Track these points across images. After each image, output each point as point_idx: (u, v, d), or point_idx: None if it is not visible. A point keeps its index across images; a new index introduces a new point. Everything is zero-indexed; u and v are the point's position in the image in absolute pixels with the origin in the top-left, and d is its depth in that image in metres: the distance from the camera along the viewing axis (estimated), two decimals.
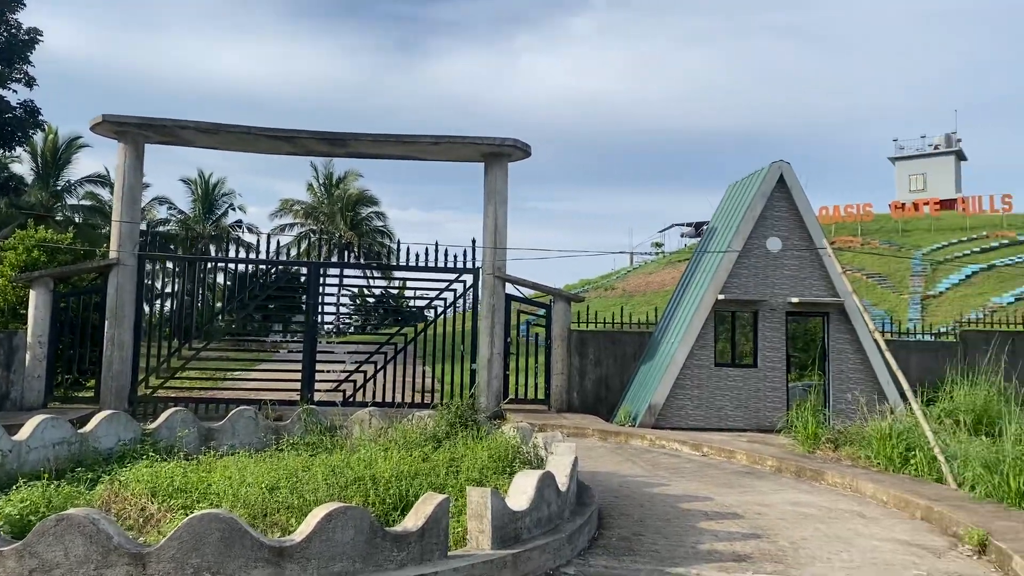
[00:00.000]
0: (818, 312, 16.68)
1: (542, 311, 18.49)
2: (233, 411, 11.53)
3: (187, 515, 6.05)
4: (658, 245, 66.51)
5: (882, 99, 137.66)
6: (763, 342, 16.52)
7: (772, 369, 16.53)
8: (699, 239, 20.57)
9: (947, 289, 38.25)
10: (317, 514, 5.68)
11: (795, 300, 16.33)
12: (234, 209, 53.48)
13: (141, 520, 7.10)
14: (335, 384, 17.42)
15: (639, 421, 16.03)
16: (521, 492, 7.17)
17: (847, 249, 46.17)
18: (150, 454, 9.58)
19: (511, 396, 17.74)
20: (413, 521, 6.15)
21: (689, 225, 64.16)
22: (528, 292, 19.77)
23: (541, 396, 18.12)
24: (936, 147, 68.05)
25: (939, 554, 7.90)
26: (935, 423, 13.36)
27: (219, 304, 20.94)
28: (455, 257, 18.03)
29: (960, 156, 67.85)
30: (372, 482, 7.83)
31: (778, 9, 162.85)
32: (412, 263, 18.19)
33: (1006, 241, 44.44)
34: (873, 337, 13.37)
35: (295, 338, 18.84)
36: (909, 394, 11.49)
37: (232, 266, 19.36)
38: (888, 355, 12.19)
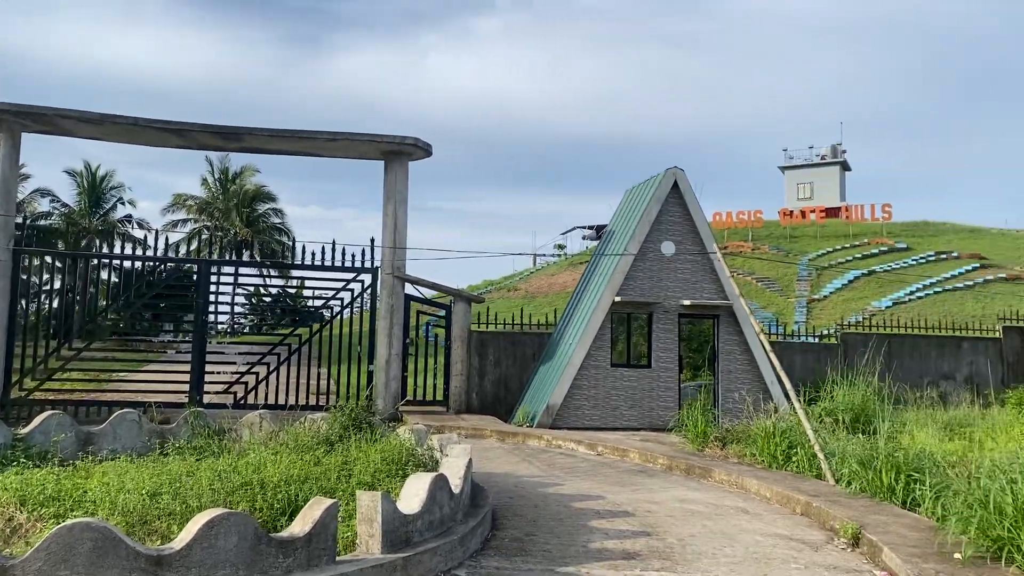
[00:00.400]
0: (709, 314, 17.24)
1: (442, 312, 18.43)
2: (115, 414, 11.02)
3: (59, 524, 5.74)
4: (561, 247, 67.36)
5: (774, 109, 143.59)
6: (657, 343, 16.95)
7: (665, 369, 16.98)
8: (599, 241, 20.96)
9: (831, 293, 40.11)
10: (199, 520, 5.48)
11: (687, 302, 16.82)
12: (123, 203, 51.17)
13: (8, 531, 6.70)
14: (226, 386, 16.90)
15: (537, 421, 16.18)
16: (413, 495, 7.11)
17: (739, 254, 47.89)
18: (21, 460, 9.04)
19: (410, 398, 17.62)
20: (300, 526, 6.01)
21: (591, 228, 65.23)
22: (429, 293, 19.67)
23: (440, 397, 18.06)
24: (823, 157, 71.37)
25: (816, 547, 8.25)
26: (816, 421, 13.97)
27: (104, 302, 19.99)
28: (353, 256, 17.78)
29: (845, 167, 71.38)
30: (260, 487, 7.62)
31: (676, 18, 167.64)
32: (309, 262, 17.84)
33: (885, 248, 46.97)
34: (759, 338, 13.90)
35: (186, 338, 18.19)
36: (792, 394, 11.99)
37: (119, 263, 18.53)
38: (772, 356, 12.68)
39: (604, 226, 19.52)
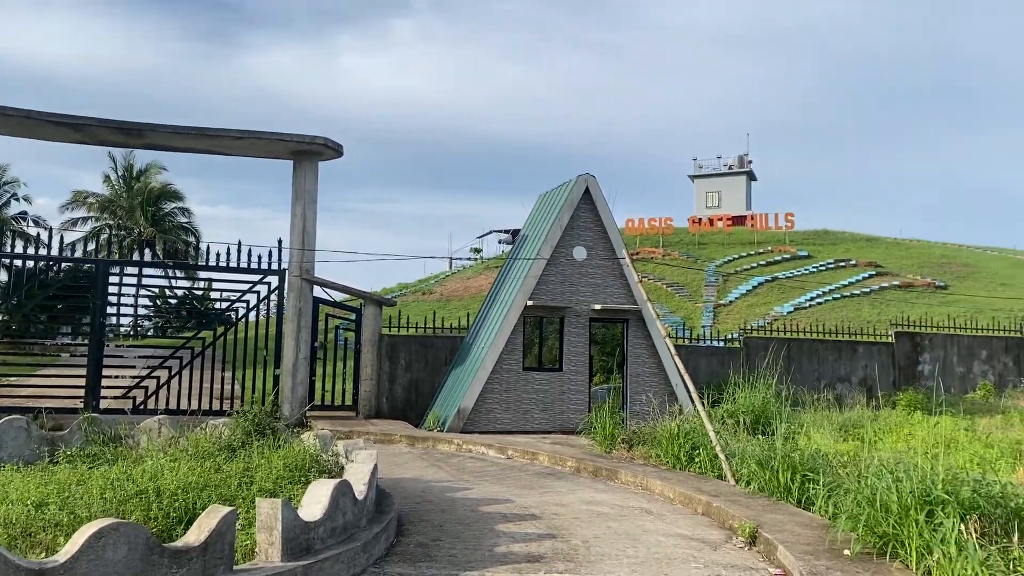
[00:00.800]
0: (619, 318, 17.53)
1: (352, 315, 18.19)
2: (2, 420, 10.46)
3: None
4: (477, 251, 67.38)
5: (686, 119, 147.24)
6: (568, 347, 17.14)
7: (576, 373, 17.18)
8: (513, 246, 21.07)
9: (736, 298, 41.30)
10: (85, 531, 5.24)
11: (598, 307, 17.07)
12: (18, 199, 48.74)
13: None
14: (124, 391, 16.26)
15: (448, 426, 16.13)
16: (315, 502, 6.99)
17: (650, 259, 48.89)
18: None
19: (318, 402, 17.32)
20: (195, 535, 5.82)
21: (507, 232, 65.51)
22: (339, 296, 19.38)
23: (349, 402, 17.81)
24: (730, 167, 73.53)
25: (715, 547, 8.47)
26: (718, 423, 14.37)
27: None
28: (260, 258, 17.36)
29: (751, 176, 73.70)
30: (156, 495, 7.37)
31: (592, 27, 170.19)
32: (214, 263, 17.33)
33: (787, 256, 48.68)
34: (665, 342, 14.20)
35: (83, 341, 17.42)
36: (695, 396, 12.29)
37: (10, 262, 17.62)
38: (677, 360, 12.98)
39: (520, 230, 19.69)
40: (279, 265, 17.38)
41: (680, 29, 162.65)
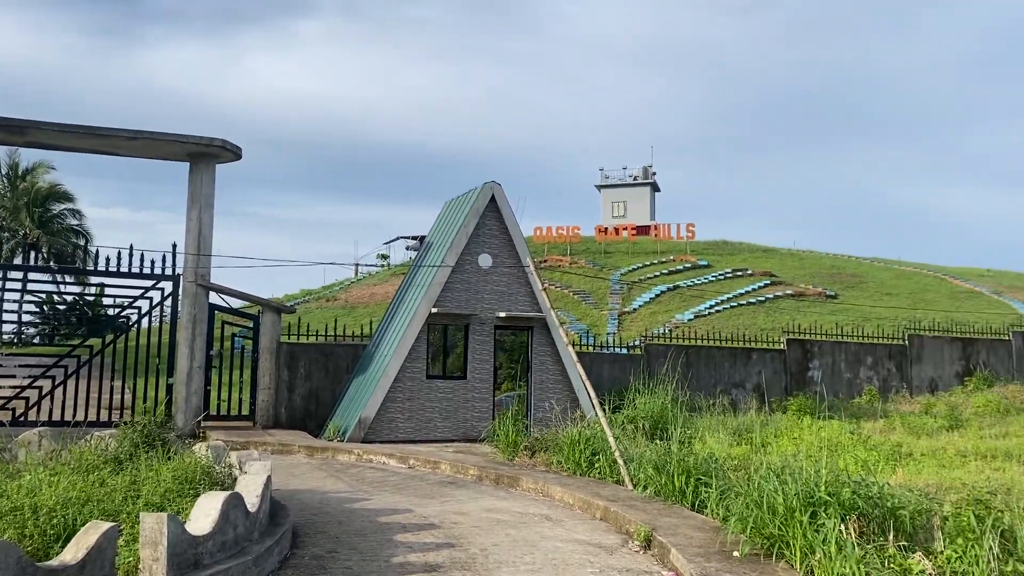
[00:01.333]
0: (524, 326, 17.64)
1: (250, 322, 17.71)
2: None
3: None
4: (384, 257, 66.69)
5: (593, 129, 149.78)
6: (473, 355, 17.14)
7: (481, 380, 17.19)
8: (417, 253, 20.93)
9: (640, 306, 42.17)
10: None
11: (503, 314, 17.13)
12: None
13: None
14: (3, 402, 15.37)
15: (348, 435, 15.88)
16: (204, 515, 6.77)
17: (557, 267, 49.45)
18: None
19: (214, 413, 16.79)
20: (72, 553, 5.55)
21: (414, 238, 65.00)
22: (237, 303, 18.86)
23: (247, 412, 17.33)
24: (635, 178, 75.16)
25: (611, 551, 8.61)
26: (618, 429, 14.63)
27: None
28: (153, 263, 16.72)
29: (655, 187, 75.51)
30: (32, 512, 6.98)
31: (502, 36, 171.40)
32: (104, 267, 16.59)
33: (688, 265, 50.02)
34: (568, 349, 14.37)
35: None
36: (595, 402, 12.47)
37: None
38: (579, 366, 13.16)
39: (426, 237, 19.58)
40: (173, 271, 16.78)
41: (588, 41, 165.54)
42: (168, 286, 16.83)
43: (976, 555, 7.05)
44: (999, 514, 7.77)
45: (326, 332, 18.91)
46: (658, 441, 13.76)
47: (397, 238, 67.86)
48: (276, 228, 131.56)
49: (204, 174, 16.62)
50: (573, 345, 21.19)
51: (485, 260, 17.17)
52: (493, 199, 17.34)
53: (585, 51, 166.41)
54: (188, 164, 16.85)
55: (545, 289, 15.73)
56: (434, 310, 16.59)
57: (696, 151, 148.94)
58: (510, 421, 14.30)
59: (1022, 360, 26.06)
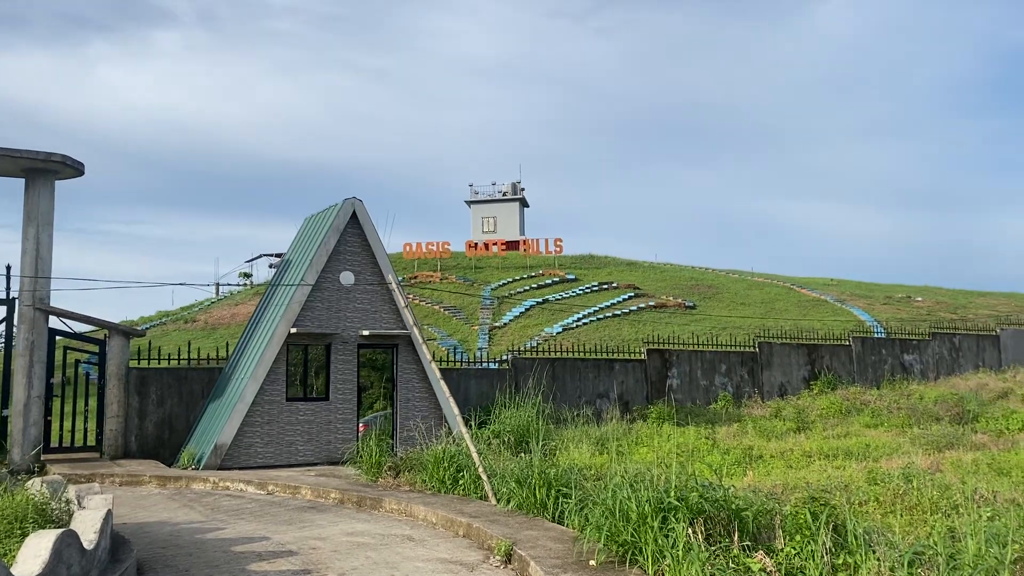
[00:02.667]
0: (388, 344, 17.43)
1: (97, 347, 16.69)
2: None
3: None
4: (246, 275, 64.45)
5: (463, 147, 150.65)
6: (336, 375, 16.77)
7: (344, 401, 16.83)
8: (276, 271, 20.33)
9: (510, 321, 42.53)
10: None
11: (366, 333, 16.86)
12: None
13: None
14: None
15: (204, 463, 15.18)
16: (34, 556, 6.29)
17: (428, 283, 49.26)
18: None
19: (56, 445, 15.70)
20: None
21: (278, 255, 63.16)
22: (83, 327, 17.73)
23: (93, 443, 16.30)
24: (504, 194, 76.03)
25: (472, 568, 8.59)
26: (484, 444, 14.69)
27: None
28: None
29: (524, 203, 76.63)
30: None
31: (368, 51, 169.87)
32: None
33: (557, 279, 50.93)
34: (431, 366, 14.29)
35: None
36: (458, 418, 12.46)
37: None
38: (442, 383, 13.12)
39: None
40: (7, 294, 15.61)
41: (456, 58, 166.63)
42: (2, 311, 15.64)
43: (812, 550, 7.47)
44: (832, 510, 8.29)
45: (179, 356, 18.03)
46: (523, 455, 13.89)
47: (260, 256, 65.80)
48: (132, 247, 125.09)
49: (42, 191, 15.56)
50: (440, 361, 21.17)
51: (347, 277, 16.87)
52: (355, 215, 17.06)
53: (452, 68, 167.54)
54: (24, 180, 15.73)
55: (409, 306, 15.61)
56: (293, 330, 16.13)
57: (563, 168, 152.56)
58: (374, 441, 14.07)
59: (861, 363, 27.98)
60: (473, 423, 16.50)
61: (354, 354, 16.99)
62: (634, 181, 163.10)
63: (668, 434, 18.21)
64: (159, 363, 17.76)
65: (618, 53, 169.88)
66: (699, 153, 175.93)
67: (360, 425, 17.36)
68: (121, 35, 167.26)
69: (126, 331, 16.81)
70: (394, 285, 14.26)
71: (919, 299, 50.89)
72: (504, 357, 25.19)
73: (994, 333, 32.28)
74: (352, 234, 17.09)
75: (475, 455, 12.13)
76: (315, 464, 16.17)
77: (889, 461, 15.65)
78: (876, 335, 30.84)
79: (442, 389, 13.75)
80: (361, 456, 14.13)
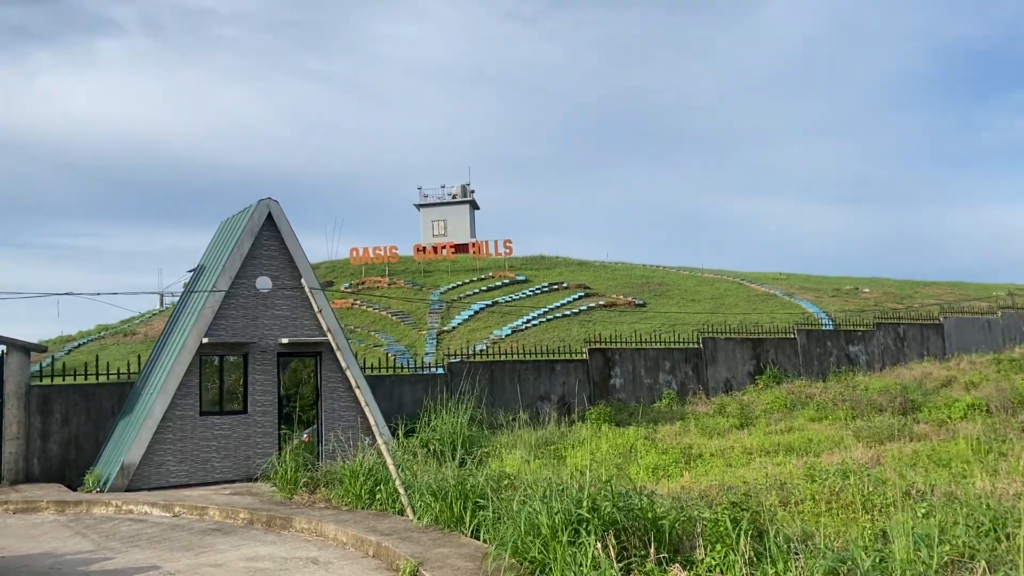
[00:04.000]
0: (311, 351, 16.56)
1: None
2: None
3: None
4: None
5: (411, 150, 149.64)
6: (254, 386, 15.85)
7: (264, 414, 15.92)
8: (190, 279, 19.26)
9: (458, 324, 41.81)
10: None
11: (286, 340, 15.98)
12: None
13: None
14: None
15: (110, 485, 14.19)
16: None
17: (375, 288, 48.35)
18: None
19: None
20: None
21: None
22: None
23: None
24: (454, 196, 75.18)
25: None
26: (409, 455, 13.94)
27: None
28: None
29: (474, 205, 75.88)
30: None
31: (314, 56, 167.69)
32: None
33: (507, 281, 50.32)
34: (347, 373, 13.48)
35: None
36: (376, 429, 11.71)
37: None
38: (359, 391, 12.36)
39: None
40: None
41: (403, 62, 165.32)
42: None
43: (732, 560, 6.88)
44: (755, 515, 7.71)
45: (86, 371, 16.90)
46: (453, 463, 13.18)
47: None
48: (80, 259, 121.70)
49: None
50: (372, 368, 20.33)
51: (264, 283, 15.97)
52: (271, 217, 16.16)
53: (403, 72, 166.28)
54: None
55: (324, 310, 14.80)
56: (206, 340, 15.17)
57: (514, 170, 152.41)
58: (289, 456, 13.23)
59: (806, 355, 27.76)
60: (400, 431, 15.70)
61: (274, 363, 16.08)
62: (585, 182, 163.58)
63: (607, 435, 17.63)
64: (64, 380, 16.66)
65: (568, 55, 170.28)
66: (650, 153, 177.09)
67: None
68: (63, 44, 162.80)
69: (25, 346, 15.69)
70: (308, 289, 13.42)
71: (866, 290, 51.30)
72: (441, 363, 24.41)
73: (938, 322, 32.39)
74: (268, 237, 16.18)
75: (392, 467, 11.38)
76: (232, 481, 15.25)
77: (829, 456, 15.23)
78: (824, 327, 30.69)
79: (361, 396, 12.94)
80: (278, 472, 13.27)
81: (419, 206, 75.26)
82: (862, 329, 30.03)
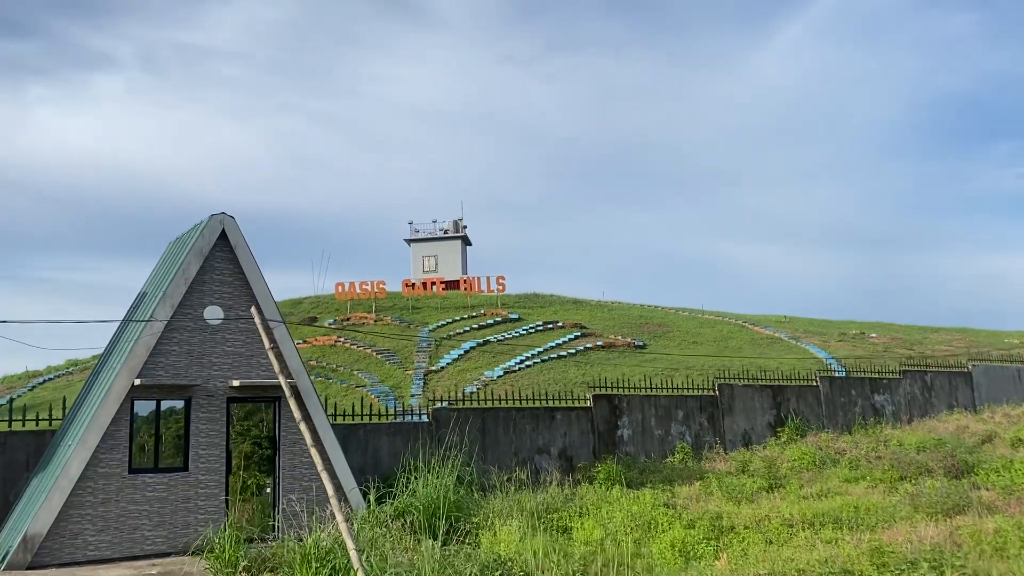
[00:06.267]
0: (269, 396, 13.92)
1: None
2: None
3: None
4: None
5: (404, 190, 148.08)
6: (197, 438, 13.18)
7: (209, 471, 13.21)
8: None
9: (447, 364, 39.25)
10: None
11: (237, 383, 13.34)
12: None
13: None
14: None
15: (8, 561, 11.43)
16: None
17: (361, 325, 45.83)
18: None
19: None
20: None
21: None
22: None
23: None
24: (446, 231, 72.97)
25: None
26: (383, 528, 11.32)
27: None
28: None
29: (466, 241, 73.59)
30: None
31: (310, 96, 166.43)
32: None
33: (499, 319, 47.82)
34: (301, 426, 10.82)
35: None
36: (333, 501, 9.07)
37: None
38: (316, 453, 9.74)
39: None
40: None
41: (398, 104, 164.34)
42: None
43: None
44: None
45: (24, 414, 14.17)
46: (431, 541, 10.56)
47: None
48: (72, 293, 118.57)
49: None
50: (343, 415, 17.64)
51: (214, 313, 13.39)
52: (224, 236, 13.63)
53: (398, 113, 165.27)
54: None
55: (276, 347, 12.24)
56: (138, 381, 12.52)
57: (508, 211, 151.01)
58: (231, 528, 10.57)
59: (830, 405, 25.20)
60: (373, 496, 13.02)
61: (223, 411, 13.41)
62: (579, 223, 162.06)
63: (619, 500, 14.97)
64: None
65: (564, 98, 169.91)
66: (643, 196, 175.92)
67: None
68: (59, 78, 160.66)
69: None
70: (260, 320, 10.88)
71: (873, 335, 49.06)
72: (426, 409, 21.68)
73: (966, 370, 29.92)
74: (221, 259, 13.63)
75: (352, 552, 8.74)
76: (167, 554, 12.52)
77: (891, 532, 12.65)
78: (836, 373, 28.16)
79: (318, 458, 10.29)
80: (214, 549, 10.59)
81: (409, 241, 72.95)
82: (887, 377, 27.51)
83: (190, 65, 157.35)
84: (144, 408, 12.99)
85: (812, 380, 26.00)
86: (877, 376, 27.49)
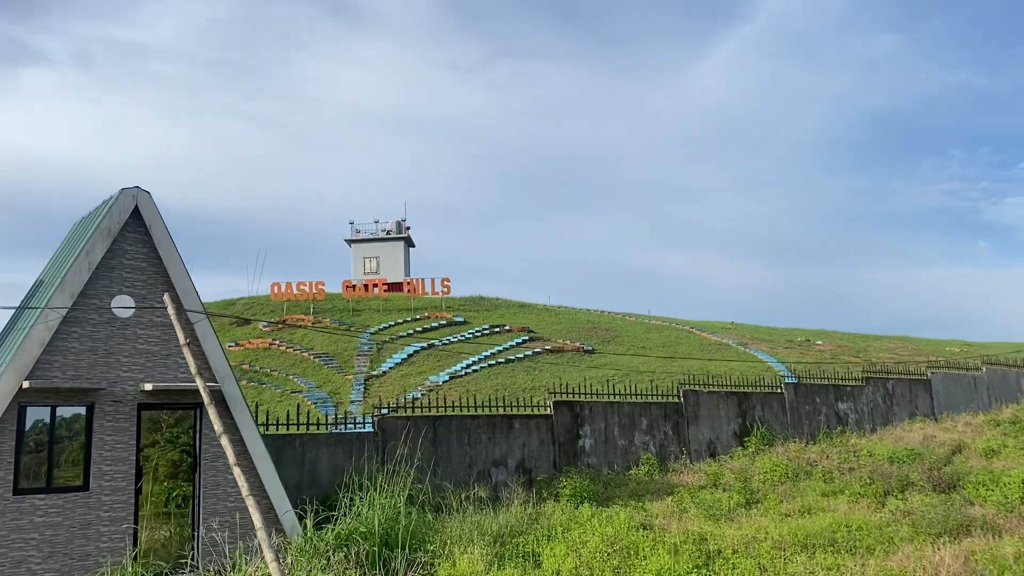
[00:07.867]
0: (188, 403, 11.93)
1: None
2: None
3: None
4: None
5: (344, 192, 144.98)
6: (101, 451, 11.13)
7: (114, 491, 11.17)
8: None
9: (390, 368, 37.33)
10: None
11: (150, 387, 11.33)
12: None
13: None
14: None
15: None
16: None
17: (298, 327, 43.62)
18: None
19: None
20: None
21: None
22: None
23: None
24: (388, 232, 70.80)
25: None
26: (322, 559, 9.49)
27: None
28: None
29: (409, 242, 71.52)
30: None
31: (245, 96, 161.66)
32: None
33: (444, 322, 46.02)
34: (222, 440, 8.94)
35: None
36: (261, 533, 7.24)
37: None
38: (239, 472, 7.90)
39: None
40: None
41: (339, 107, 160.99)
42: None
43: None
44: None
45: None
46: (378, 573, 8.79)
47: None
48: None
49: None
50: (275, 425, 15.68)
51: (123, 303, 11.36)
52: (138, 213, 11.63)
53: (339, 116, 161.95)
54: None
55: (188, 343, 10.33)
56: (27, 384, 10.46)
57: (451, 215, 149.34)
58: (139, 560, 8.63)
59: (795, 413, 24.08)
60: (310, 520, 11.12)
61: (133, 419, 11.39)
62: (523, 229, 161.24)
63: (589, 520, 13.37)
64: None
65: (506, 106, 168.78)
66: (585, 204, 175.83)
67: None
68: None
69: None
70: (174, 312, 8.98)
71: (819, 342, 48.73)
72: (382, 412, 19.69)
73: (925, 378, 29.26)
74: (133, 240, 11.61)
75: None
76: None
77: (897, 556, 11.33)
78: (787, 380, 27.09)
79: (242, 482, 8.44)
80: None
81: (350, 242, 70.52)
82: (851, 384, 26.59)
83: (123, 60, 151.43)
84: (35, 415, 10.87)
85: (777, 387, 24.88)
86: (841, 383, 26.55)
